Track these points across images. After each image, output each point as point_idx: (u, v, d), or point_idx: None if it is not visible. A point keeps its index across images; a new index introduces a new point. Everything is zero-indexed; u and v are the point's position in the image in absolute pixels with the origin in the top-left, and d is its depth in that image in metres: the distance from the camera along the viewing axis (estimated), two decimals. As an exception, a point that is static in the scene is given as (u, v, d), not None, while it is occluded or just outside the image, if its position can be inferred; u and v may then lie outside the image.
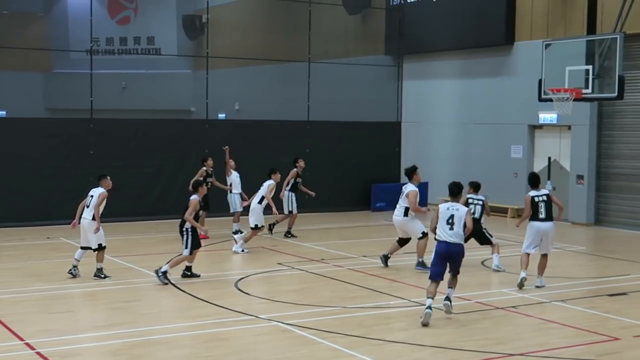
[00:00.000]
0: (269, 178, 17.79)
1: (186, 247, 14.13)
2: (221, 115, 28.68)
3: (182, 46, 33.03)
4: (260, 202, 17.36)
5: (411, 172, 15.34)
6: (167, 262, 14.14)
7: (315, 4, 25.72)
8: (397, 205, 15.42)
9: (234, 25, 30.94)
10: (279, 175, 18.19)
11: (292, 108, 25.64)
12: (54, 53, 32.18)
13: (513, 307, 12.44)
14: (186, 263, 14.38)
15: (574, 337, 10.82)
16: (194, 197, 14.21)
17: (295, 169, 19.77)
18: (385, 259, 15.70)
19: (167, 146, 22.65)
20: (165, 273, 13.87)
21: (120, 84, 32.33)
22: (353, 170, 25.37)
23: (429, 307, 11.29)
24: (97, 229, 14.12)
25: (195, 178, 17.63)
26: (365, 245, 18.56)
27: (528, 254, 13.83)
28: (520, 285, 13.55)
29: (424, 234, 15.15)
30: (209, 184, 18.91)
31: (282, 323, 11.29)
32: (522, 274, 13.68)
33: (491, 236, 15.23)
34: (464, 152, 25.45)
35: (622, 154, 21.99)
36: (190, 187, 14.66)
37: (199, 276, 14.37)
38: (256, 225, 17.21)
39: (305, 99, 25.03)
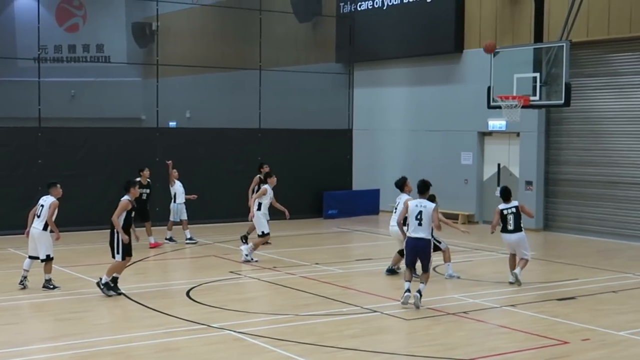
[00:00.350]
0: (265, 182, 17.60)
1: (117, 252, 13.48)
2: (172, 123, 28.54)
3: (132, 54, 32.79)
4: (259, 208, 17.20)
5: (402, 184, 15.45)
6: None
7: (266, 12, 25.72)
8: (393, 216, 15.29)
9: (184, 32, 30.81)
10: (275, 179, 17.75)
11: (243, 116, 25.60)
12: (0, 61, 31.69)
13: (464, 312, 12.55)
14: (114, 273, 13.68)
15: (524, 342, 10.94)
16: (125, 198, 13.58)
17: (258, 176, 19.64)
18: (391, 272, 15.59)
19: (118, 155, 22.43)
20: (107, 284, 13.52)
21: (69, 92, 31.97)
22: (305, 178, 25.38)
23: (407, 290, 12.69)
24: (58, 238, 14.04)
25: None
26: (317, 253, 18.59)
27: (512, 255, 15.00)
28: (513, 283, 14.63)
29: None
30: (144, 195, 18.65)
31: (234, 332, 11.25)
32: (511, 278, 14.75)
33: (439, 242, 15.26)
34: (415, 159, 25.61)
35: (569, 160, 22.34)
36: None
37: (121, 294, 13.59)
38: (262, 232, 17.11)
39: (256, 107, 25.00)
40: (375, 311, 12.58)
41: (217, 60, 27.43)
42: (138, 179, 18.34)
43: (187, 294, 13.86)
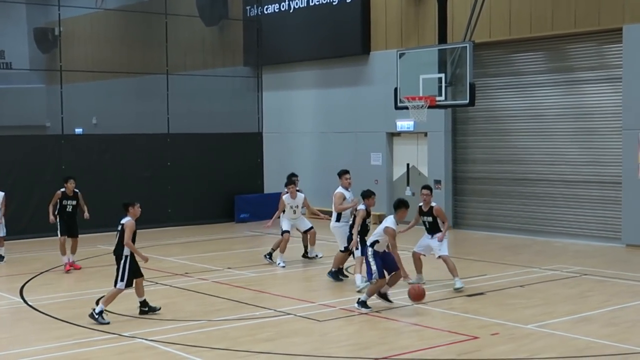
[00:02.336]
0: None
1: (121, 280, 12.35)
2: (78, 130, 27.98)
3: (35, 60, 32.00)
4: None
5: (340, 175, 15.88)
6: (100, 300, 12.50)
7: (171, 16, 25.45)
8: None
9: (88, 37, 30.24)
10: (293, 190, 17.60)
11: (151, 121, 25.28)
12: None
13: (377, 311, 12.65)
14: (137, 298, 12.69)
15: (434, 339, 11.07)
16: (128, 220, 12.60)
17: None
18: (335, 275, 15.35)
19: (21, 163, 21.87)
20: (101, 313, 12.13)
21: (-31, 100, 30.98)
22: (216, 182, 25.23)
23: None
24: None
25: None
26: (229, 257, 18.48)
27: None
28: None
29: (345, 249, 15.03)
30: (69, 207, 17.02)
31: (146, 340, 11.08)
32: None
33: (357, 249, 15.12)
34: (325, 160, 25.72)
35: (476, 158, 22.78)
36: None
37: (158, 309, 12.75)
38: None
39: (164, 112, 24.73)
40: (288, 314, 12.57)
41: (123, 65, 27.01)
42: (62, 190, 17.04)
43: (97, 303, 13.57)
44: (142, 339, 11.13)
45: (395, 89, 19.67)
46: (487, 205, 22.43)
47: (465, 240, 21.18)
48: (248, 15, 27.88)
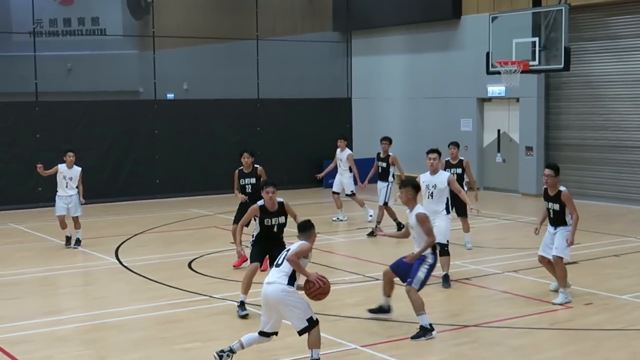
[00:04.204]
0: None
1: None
2: (170, 96, 28.42)
3: (128, 26, 32.57)
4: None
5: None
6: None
7: (262, -19, 25.51)
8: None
9: (180, 4, 30.59)
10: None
11: (241, 86, 25.48)
12: (-4, 36, 31.49)
13: (467, 279, 12.54)
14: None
15: (526, 307, 10.92)
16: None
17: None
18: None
19: (115, 128, 22.35)
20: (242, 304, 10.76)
21: (65, 66, 31.74)
22: (304, 148, 25.32)
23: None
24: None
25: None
26: (323, 223, 18.50)
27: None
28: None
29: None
30: (248, 187, 13.88)
31: (237, 302, 11.21)
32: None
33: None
34: (414, 126, 25.53)
35: (569, 124, 22.25)
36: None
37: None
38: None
39: (254, 77, 24.87)
40: (377, 279, 12.55)
41: (213, 31, 27.23)
42: (241, 168, 14.14)
43: (189, 265, 13.85)
44: (233, 301, 11.25)
45: (487, 54, 19.31)
46: (580, 172, 21.91)
47: (557, 208, 20.75)
48: (338, -21, 27.72)
